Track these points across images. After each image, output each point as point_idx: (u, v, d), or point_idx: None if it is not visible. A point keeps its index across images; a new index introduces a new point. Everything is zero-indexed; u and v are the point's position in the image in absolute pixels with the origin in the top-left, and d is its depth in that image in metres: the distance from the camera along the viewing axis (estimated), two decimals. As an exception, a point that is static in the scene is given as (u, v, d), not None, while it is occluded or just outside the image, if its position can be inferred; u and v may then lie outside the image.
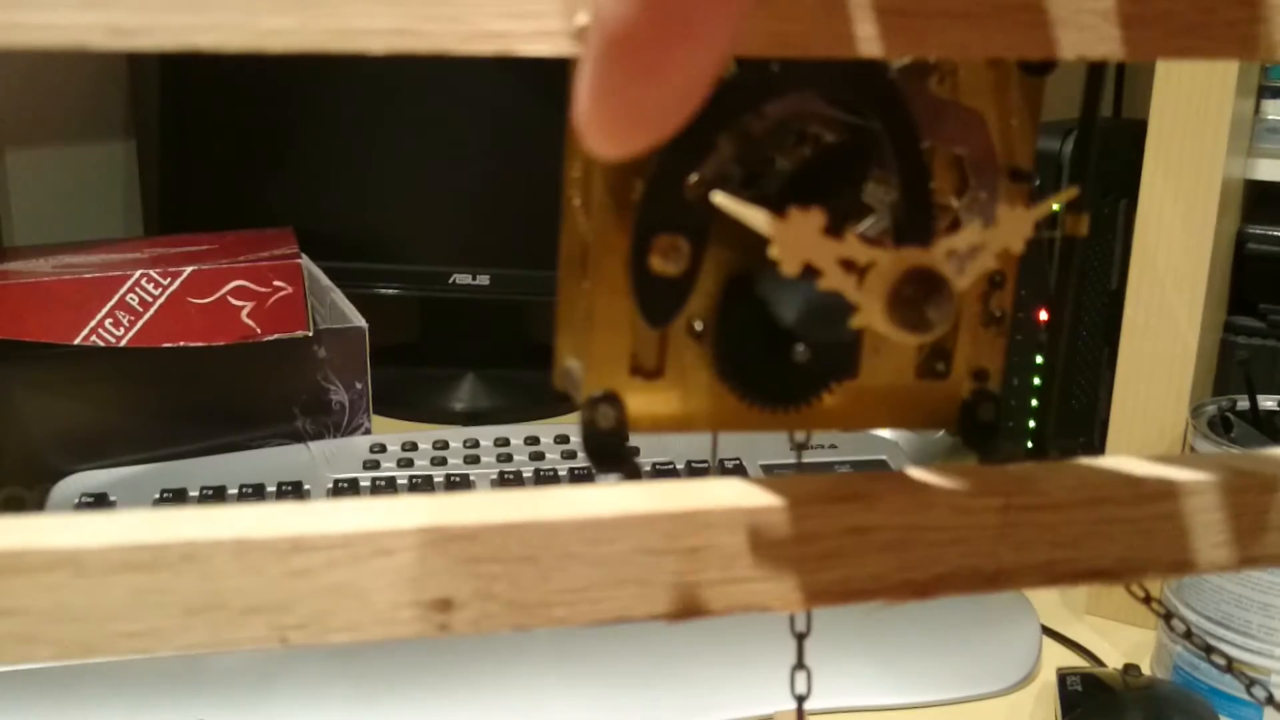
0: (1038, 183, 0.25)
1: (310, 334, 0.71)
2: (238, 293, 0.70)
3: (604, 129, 0.18)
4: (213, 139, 0.92)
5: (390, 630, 0.20)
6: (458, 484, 0.65)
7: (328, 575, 0.19)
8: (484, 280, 0.91)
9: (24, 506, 0.66)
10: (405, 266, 0.91)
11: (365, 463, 0.67)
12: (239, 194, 0.92)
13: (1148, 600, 0.30)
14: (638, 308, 0.23)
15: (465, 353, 0.95)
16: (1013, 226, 0.21)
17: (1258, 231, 0.66)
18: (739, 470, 0.65)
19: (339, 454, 0.68)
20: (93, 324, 0.68)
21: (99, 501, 0.62)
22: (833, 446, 0.68)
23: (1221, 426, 0.56)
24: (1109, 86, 0.85)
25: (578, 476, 0.66)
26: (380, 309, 0.81)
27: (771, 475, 0.22)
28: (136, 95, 0.98)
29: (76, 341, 0.68)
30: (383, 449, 0.68)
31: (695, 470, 0.66)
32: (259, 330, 0.70)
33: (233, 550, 0.19)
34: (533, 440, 0.70)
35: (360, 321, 0.73)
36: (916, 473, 0.23)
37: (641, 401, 0.24)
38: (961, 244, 0.21)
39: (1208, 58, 0.22)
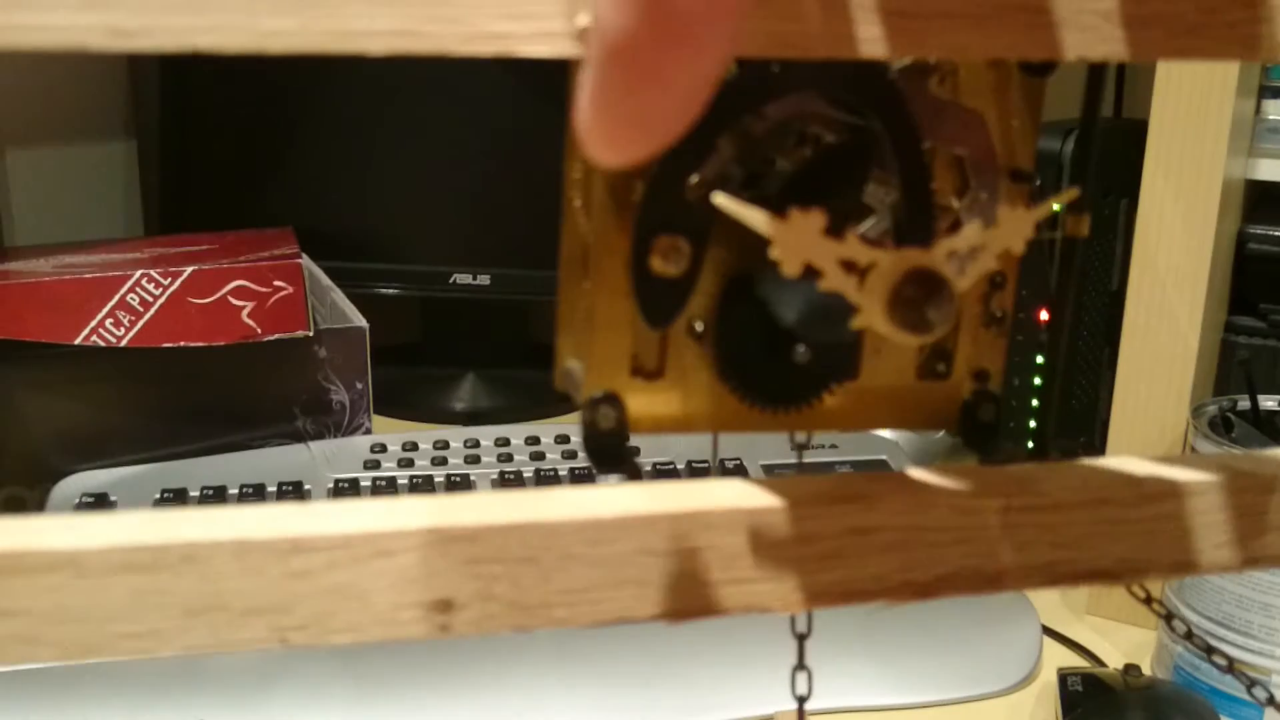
0: (1038, 183, 0.25)
1: (311, 334, 0.71)
2: (238, 293, 0.70)
3: (606, 138, 0.18)
4: (213, 139, 0.92)
5: (391, 631, 0.20)
6: (458, 484, 0.65)
7: (328, 576, 0.19)
8: (484, 280, 0.90)
9: (24, 507, 0.66)
10: (406, 266, 0.91)
11: (366, 463, 0.67)
12: (239, 194, 0.92)
13: (1148, 601, 0.30)
14: (638, 308, 0.23)
15: (466, 353, 0.95)
16: (1013, 227, 0.21)
17: (1258, 231, 0.66)
18: (739, 471, 0.65)
19: (339, 454, 0.67)
20: (93, 324, 0.68)
21: (99, 502, 0.62)
22: (833, 447, 0.68)
23: (1222, 426, 0.56)
24: (1110, 87, 0.85)
25: (578, 477, 0.66)
26: (381, 309, 0.81)
27: (772, 476, 0.22)
28: (136, 95, 0.98)
29: (77, 341, 0.68)
30: (383, 449, 0.68)
31: (696, 471, 0.66)
32: (259, 330, 0.70)
33: (233, 551, 0.19)
34: (533, 440, 0.70)
35: (361, 321, 0.73)
36: (917, 473, 0.23)
37: (642, 402, 0.24)
38: (962, 245, 0.21)
39: (1209, 58, 0.22)
